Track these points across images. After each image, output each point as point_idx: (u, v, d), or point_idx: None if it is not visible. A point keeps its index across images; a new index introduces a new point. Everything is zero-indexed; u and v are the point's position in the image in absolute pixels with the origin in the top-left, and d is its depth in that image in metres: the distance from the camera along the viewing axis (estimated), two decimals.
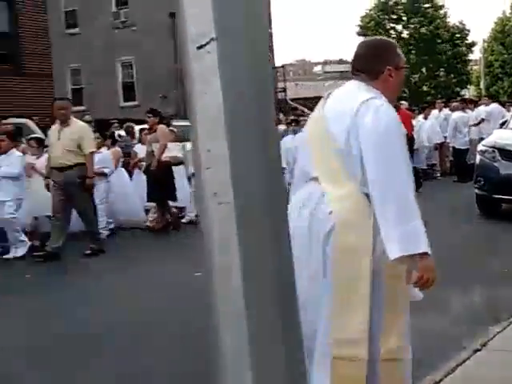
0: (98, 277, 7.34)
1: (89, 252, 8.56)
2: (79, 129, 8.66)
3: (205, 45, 1.19)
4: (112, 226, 10.43)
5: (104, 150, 10.47)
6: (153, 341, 4.80)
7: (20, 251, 8.79)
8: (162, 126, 10.44)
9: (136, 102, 29.96)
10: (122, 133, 12.88)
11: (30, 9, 20.14)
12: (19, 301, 6.37)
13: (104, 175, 10.20)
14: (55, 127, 8.72)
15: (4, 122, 10.62)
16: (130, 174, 11.29)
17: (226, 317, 1.20)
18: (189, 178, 10.96)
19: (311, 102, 29.43)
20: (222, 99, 1.19)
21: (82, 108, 27.28)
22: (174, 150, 10.45)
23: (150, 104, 28.28)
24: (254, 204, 1.22)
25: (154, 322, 5.27)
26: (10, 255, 8.76)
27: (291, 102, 33.39)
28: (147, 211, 10.93)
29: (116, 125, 12.63)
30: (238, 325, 1.19)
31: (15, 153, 9.03)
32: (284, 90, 34.77)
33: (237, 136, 1.20)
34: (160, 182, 10.06)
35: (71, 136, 8.46)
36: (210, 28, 1.20)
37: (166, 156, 10.17)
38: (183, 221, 11.18)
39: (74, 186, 8.42)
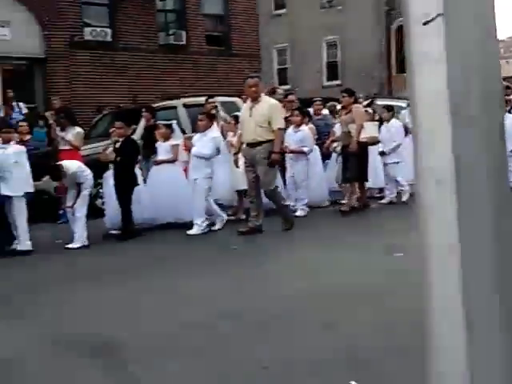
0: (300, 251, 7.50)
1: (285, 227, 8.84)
2: (269, 106, 8.83)
3: (430, 20, 1.16)
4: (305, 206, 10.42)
5: (303, 127, 10.52)
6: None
7: (218, 225, 9.30)
8: (357, 106, 10.32)
9: (339, 82, 30.07)
10: (325, 111, 12.95)
11: None
12: (228, 269, 6.69)
13: (303, 153, 10.35)
14: (247, 105, 9.02)
15: (210, 100, 11.08)
16: (324, 154, 11.23)
17: (442, 300, 1.17)
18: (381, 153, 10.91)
19: None
20: (447, 76, 1.15)
21: (287, 87, 27.92)
22: (370, 130, 10.31)
23: (353, 83, 28.53)
24: (475, 186, 1.17)
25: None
26: (215, 227, 9.25)
27: (503, 82, 31.59)
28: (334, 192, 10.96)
29: (318, 102, 12.69)
30: (454, 309, 1.16)
31: (210, 134, 9.32)
32: None
33: (460, 115, 1.16)
34: (357, 162, 9.99)
35: (262, 112, 8.68)
36: (435, 3, 1.16)
37: (363, 137, 10.05)
38: (383, 201, 11.07)
39: (261, 161, 8.66)
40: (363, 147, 10.12)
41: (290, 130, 10.37)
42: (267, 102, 8.89)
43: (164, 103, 12.94)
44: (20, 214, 8.29)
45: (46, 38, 17.24)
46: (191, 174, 9.26)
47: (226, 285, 6.07)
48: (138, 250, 8.37)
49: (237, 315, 4.98)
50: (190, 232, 9.06)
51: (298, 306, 5.13)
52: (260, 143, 8.70)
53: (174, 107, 12.52)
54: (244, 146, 9.10)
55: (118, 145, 9.30)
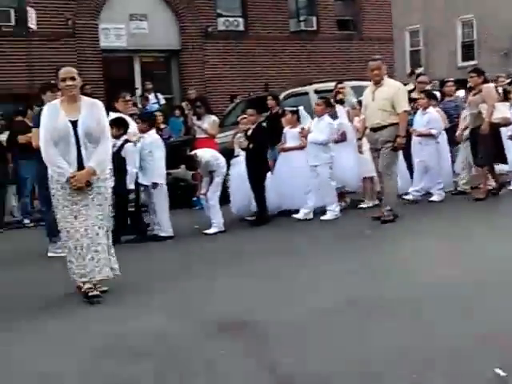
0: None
1: (378, 216, 8.53)
2: (393, 89, 8.52)
3: None
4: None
5: (431, 109, 10.16)
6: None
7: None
8: (487, 86, 9.85)
9: (475, 62, 28.94)
10: (459, 93, 12.43)
11: None
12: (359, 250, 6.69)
13: (432, 136, 10.05)
14: (370, 88, 8.74)
15: (340, 85, 10.90)
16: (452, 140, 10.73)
17: None
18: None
19: None
20: None
21: (420, 70, 27.23)
22: (502, 111, 9.81)
23: (491, 63, 27.40)
24: None
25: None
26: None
27: None
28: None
29: (450, 83, 12.22)
30: None
31: (325, 119, 9.25)
32: None
33: None
34: (492, 144, 9.56)
35: (385, 96, 8.41)
36: None
37: (495, 117, 9.59)
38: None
39: (385, 145, 8.40)
40: (495, 129, 9.67)
41: (418, 113, 10.14)
42: (390, 85, 8.59)
43: (296, 89, 13.00)
44: (159, 202, 8.61)
45: (181, 29, 17.79)
46: (310, 161, 9.19)
47: (360, 270, 6.05)
48: (272, 236, 8.50)
49: (371, 301, 4.96)
50: (324, 217, 9.08)
51: (439, 293, 5.03)
52: (384, 127, 8.46)
53: (306, 93, 12.55)
54: (368, 130, 8.85)
55: (249, 132, 9.39)
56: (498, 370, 3.44)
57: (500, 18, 27.29)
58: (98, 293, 5.55)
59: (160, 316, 5.07)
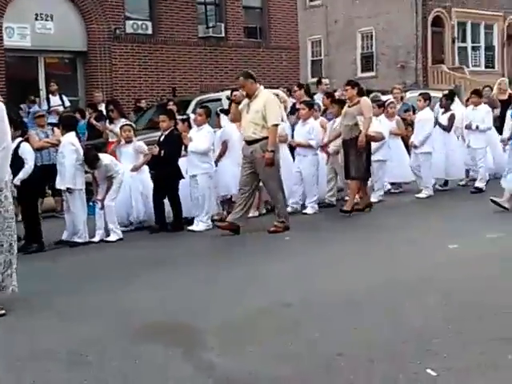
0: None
1: (272, 229, 8.40)
2: (264, 101, 8.33)
3: None
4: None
5: (311, 120, 10.03)
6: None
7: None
8: (365, 98, 9.67)
9: (373, 73, 30.00)
10: None
11: None
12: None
13: (311, 147, 9.89)
14: (245, 100, 8.49)
15: (235, 92, 10.93)
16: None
17: None
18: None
19: None
20: None
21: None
22: (377, 125, 9.88)
23: (388, 74, 28.49)
24: None
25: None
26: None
27: None
28: None
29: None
30: None
31: (205, 128, 9.12)
32: None
33: None
34: (365, 158, 9.45)
35: (257, 108, 8.29)
36: None
37: (371, 130, 9.49)
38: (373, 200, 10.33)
39: (259, 160, 8.29)
40: (369, 143, 9.53)
41: (299, 122, 10.15)
42: (262, 98, 8.37)
43: (208, 96, 13.06)
44: (75, 207, 8.41)
45: (88, 31, 17.48)
46: (190, 171, 9.07)
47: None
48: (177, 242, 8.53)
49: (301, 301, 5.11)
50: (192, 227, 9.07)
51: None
52: (256, 141, 8.32)
53: (219, 99, 12.63)
54: (243, 143, 8.69)
55: (162, 138, 9.25)
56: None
57: (398, 32, 28.41)
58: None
59: (91, 322, 5.02)
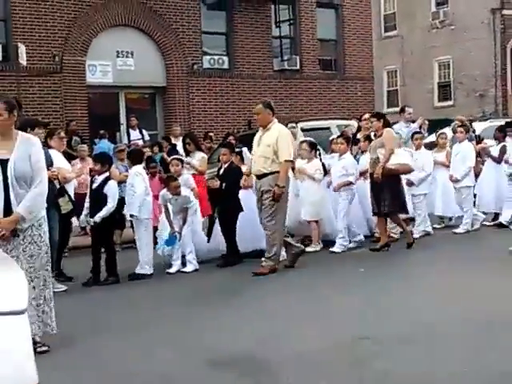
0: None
1: (259, 271, 8.04)
2: (276, 135, 8.08)
3: None
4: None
5: (347, 154, 9.88)
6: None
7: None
8: (388, 130, 9.41)
9: (451, 102, 29.57)
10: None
11: (355, 15, 21.03)
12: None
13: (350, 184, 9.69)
14: (259, 133, 8.39)
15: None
16: None
17: None
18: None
19: None
20: None
21: (396, 109, 27.75)
22: (402, 157, 9.43)
23: (466, 103, 28.03)
24: None
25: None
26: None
27: None
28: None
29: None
30: None
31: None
32: None
33: None
34: (389, 192, 9.10)
35: (268, 142, 8.09)
36: None
37: (392, 163, 9.12)
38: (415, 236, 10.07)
39: (266, 196, 8.09)
40: (394, 175, 9.13)
41: (335, 157, 9.96)
42: (275, 131, 8.10)
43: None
44: (141, 237, 8.58)
45: (167, 66, 18.00)
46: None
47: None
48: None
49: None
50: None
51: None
52: (265, 175, 8.09)
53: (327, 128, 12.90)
54: (255, 178, 8.49)
55: (222, 171, 9.28)
56: None
57: (476, 60, 27.98)
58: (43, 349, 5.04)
59: (163, 354, 5.12)
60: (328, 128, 13.26)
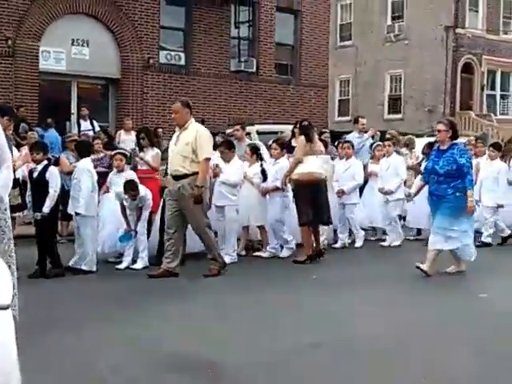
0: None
1: (208, 273, 7.90)
2: (194, 133, 7.81)
3: None
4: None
5: (283, 159, 9.63)
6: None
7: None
8: (300, 139, 9.16)
9: (400, 115, 30.07)
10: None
11: (314, 22, 21.14)
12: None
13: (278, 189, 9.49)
14: (176, 132, 8.14)
15: (237, 127, 11.17)
16: None
17: None
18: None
19: None
20: None
21: (347, 118, 28.09)
22: (312, 165, 9.00)
23: (415, 118, 28.54)
24: None
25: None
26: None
27: None
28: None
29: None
30: None
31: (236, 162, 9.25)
32: None
33: None
34: (305, 202, 8.88)
35: (187, 140, 7.78)
36: None
37: (296, 172, 8.97)
38: (337, 245, 10.35)
39: (184, 197, 7.81)
40: (299, 185, 8.91)
41: (272, 162, 9.73)
42: (193, 129, 7.85)
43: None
44: (84, 233, 8.31)
45: (122, 59, 17.73)
46: (217, 201, 8.99)
47: None
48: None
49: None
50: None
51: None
52: (185, 176, 7.79)
53: (248, 133, 12.70)
54: (169, 177, 8.15)
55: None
56: None
57: (427, 76, 28.50)
58: None
59: (117, 352, 5.00)
60: (282, 132, 13.24)
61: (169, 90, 18.34)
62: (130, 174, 9.11)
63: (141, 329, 5.60)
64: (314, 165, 8.97)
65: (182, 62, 18.75)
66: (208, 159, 7.86)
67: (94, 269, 8.28)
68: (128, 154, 10.02)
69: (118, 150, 10.03)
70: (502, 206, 10.56)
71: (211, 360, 4.69)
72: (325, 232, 9.94)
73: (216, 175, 9.07)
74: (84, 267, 8.24)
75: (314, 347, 5.01)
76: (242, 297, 6.90)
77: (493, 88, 30.46)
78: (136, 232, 8.60)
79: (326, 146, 10.30)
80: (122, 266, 8.53)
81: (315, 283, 7.74)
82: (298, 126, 9.84)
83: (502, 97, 30.90)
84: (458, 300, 6.81)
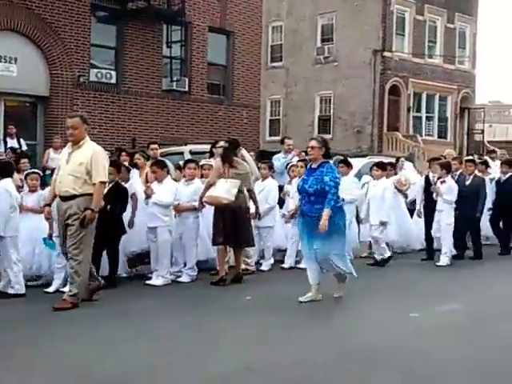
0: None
1: (58, 306, 7.23)
2: (90, 153, 7.31)
3: None
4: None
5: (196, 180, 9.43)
6: None
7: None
8: (216, 161, 9.21)
9: (330, 136, 30.54)
10: None
11: (246, 43, 21.30)
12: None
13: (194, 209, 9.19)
14: (67, 149, 7.60)
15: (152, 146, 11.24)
16: None
17: None
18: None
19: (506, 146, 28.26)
20: None
21: (277, 138, 28.34)
22: (221, 189, 8.77)
23: (344, 139, 29.07)
24: None
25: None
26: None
27: (488, 145, 32.21)
28: None
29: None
30: None
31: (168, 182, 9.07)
32: (482, 131, 33.75)
33: None
34: (221, 225, 8.79)
35: (81, 159, 7.27)
36: None
37: (208, 195, 8.80)
38: (284, 266, 10.20)
39: (72, 219, 7.29)
40: (230, 208, 8.69)
41: (182, 182, 9.45)
42: (89, 148, 7.31)
43: (171, 149, 13.10)
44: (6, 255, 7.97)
45: (51, 76, 17.40)
46: (150, 222, 8.86)
47: None
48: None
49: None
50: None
51: None
52: (74, 197, 7.25)
53: (181, 153, 12.67)
54: (57, 198, 7.53)
55: (105, 191, 8.22)
56: None
57: (356, 97, 29.09)
58: None
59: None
60: None
61: (99, 108, 18.09)
62: (43, 196, 8.67)
63: (71, 353, 5.45)
64: (219, 189, 8.71)
65: (113, 81, 18.54)
66: (103, 182, 7.41)
67: (22, 291, 7.94)
68: (42, 174, 9.74)
69: (32, 170, 9.72)
70: (385, 224, 10.61)
71: None
72: (255, 254, 9.95)
73: (148, 196, 8.97)
74: (11, 291, 7.92)
75: (249, 371, 4.99)
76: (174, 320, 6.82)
77: (419, 110, 31.32)
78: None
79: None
80: (51, 288, 8.27)
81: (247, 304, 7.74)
82: (216, 145, 9.81)
83: (428, 118, 31.81)
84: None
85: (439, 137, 31.96)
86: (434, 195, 10.83)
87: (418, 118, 31.35)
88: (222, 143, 10.11)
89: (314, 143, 7.72)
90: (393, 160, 14.06)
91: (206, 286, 8.67)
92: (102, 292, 7.80)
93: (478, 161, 13.27)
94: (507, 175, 12.20)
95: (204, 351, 5.54)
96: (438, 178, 10.86)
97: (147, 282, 8.82)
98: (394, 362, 5.25)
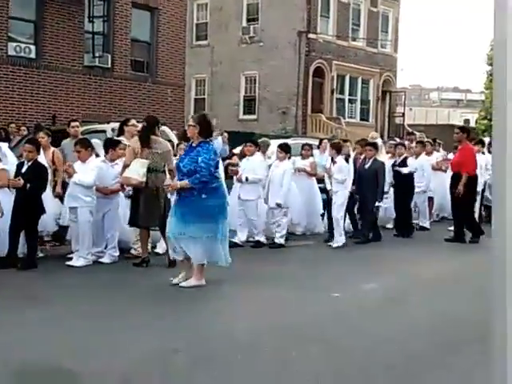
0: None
1: None
2: None
3: None
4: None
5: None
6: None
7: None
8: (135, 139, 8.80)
9: (255, 116, 30.62)
10: None
11: (170, 20, 21.01)
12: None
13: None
14: None
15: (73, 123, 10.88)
16: None
17: None
18: None
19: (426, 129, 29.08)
20: None
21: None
22: (134, 170, 8.56)
23: (269, 119, 29.21)
24: None
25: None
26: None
27: (408, 128, 33.03)
28: None
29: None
30: None
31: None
32: (403, 114, 34.54)
33: None
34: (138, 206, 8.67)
35: None
36: None
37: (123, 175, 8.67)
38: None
39: None
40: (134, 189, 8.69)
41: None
42: None
43: (94, 126, 12.82)
44: None
45: None
46: (69, 203, 8.77)
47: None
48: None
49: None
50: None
51: None
52: None
53: (104, 131, 12.41)
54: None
55: (24, 169, 8.41)
56: None
57: (281, 78, 29.20)
58: None
59: None
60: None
61: (18, 83, 17.52)
62: None
63: None
64: (130, 169, 8.52)
65: (33, 55, 17.95)
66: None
67: None
68: None
69: None
70: (280, 206, 10.59)
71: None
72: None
73: (70, 175, 8.77)
74: None
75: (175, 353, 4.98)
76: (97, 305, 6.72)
77: (342, 92, 31.74)
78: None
79: None
80: None
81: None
82: (127, 123, 9.59)
83: (350, 101, 32.29)
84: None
85: (361, 119, 32.51)
86: (327, 176, 11.04)
87: (342, 101, 31.78)
88: (133, 121, 9.98)
89: (190, 121, 7.58)
90: (315, 142, 14.21)
91: (129, 267, 8.59)
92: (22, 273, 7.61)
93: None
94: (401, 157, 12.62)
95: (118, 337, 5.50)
96: (332, 159, 10.98)
97: (68, 262, 8.66)
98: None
